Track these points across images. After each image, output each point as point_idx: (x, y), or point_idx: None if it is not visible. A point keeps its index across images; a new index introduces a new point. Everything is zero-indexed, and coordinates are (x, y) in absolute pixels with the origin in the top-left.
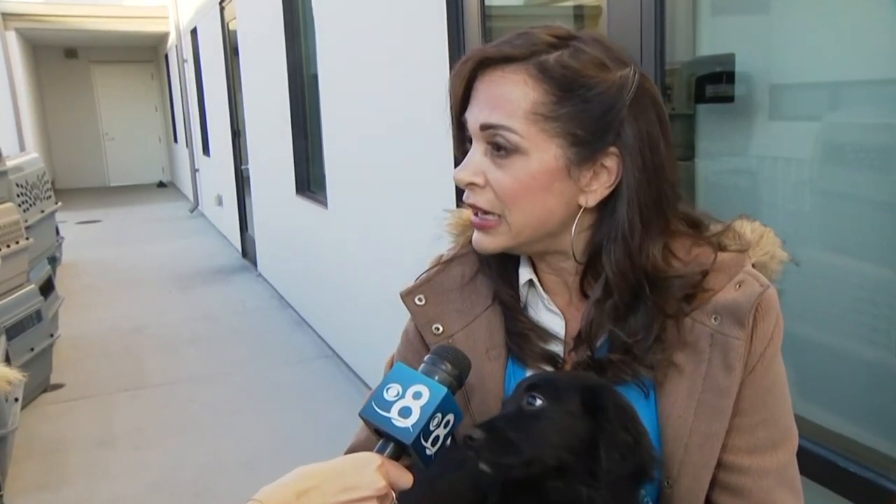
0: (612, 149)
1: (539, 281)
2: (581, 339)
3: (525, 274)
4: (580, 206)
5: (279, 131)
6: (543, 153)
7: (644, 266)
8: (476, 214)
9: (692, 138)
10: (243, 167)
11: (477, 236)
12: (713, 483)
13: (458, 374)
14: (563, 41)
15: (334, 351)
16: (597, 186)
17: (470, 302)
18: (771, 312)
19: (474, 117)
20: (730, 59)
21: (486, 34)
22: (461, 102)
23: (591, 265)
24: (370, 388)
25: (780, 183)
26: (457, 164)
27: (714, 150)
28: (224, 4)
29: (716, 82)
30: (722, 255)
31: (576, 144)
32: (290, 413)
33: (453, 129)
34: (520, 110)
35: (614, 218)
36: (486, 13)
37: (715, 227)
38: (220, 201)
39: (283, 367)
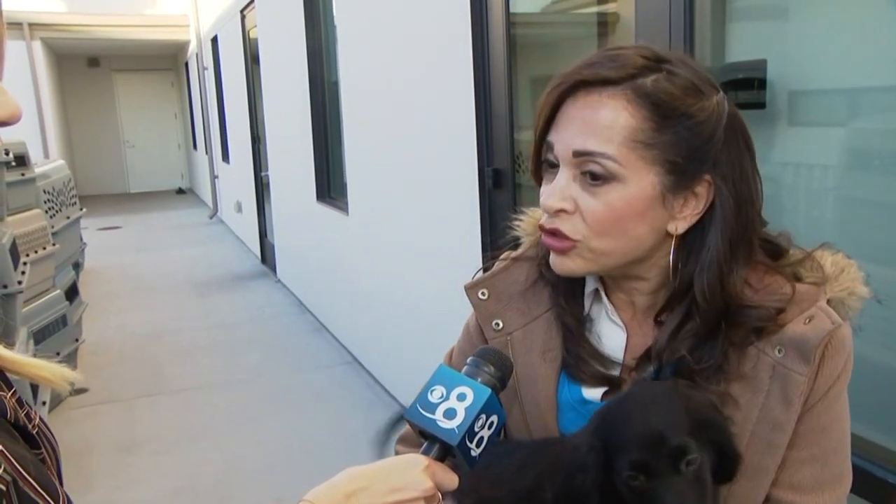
0: (707, 177)
1: (607, 297)
2: (648, 358)
3: (591, 284)
4: (667, 233)
5: (300, 138)
6: (641, 181)
7: (729, 292)
8: (552, 235)
9: None
10: (263, 174)
11: (555, 260)
12: None
13: (500, 375)
14: (655, 63)
15: (354, 357)
16: (687, 213)
17: (531, 303)
18: (841, 351)
19: (565, 142)
20: (761, 65)
21: (511, 41)
22: (546, 123)
23: (671, 293)
24: (390, 394)
25: (815, 191)
26: (538, 183)
27: None
28: (245, 12)
29: (747, 88)
30: (796, 286)
31: (673, 172)
32: (311, 419)
33: (533, 153)
34: (618, 136)
35: (706, 245)
36: (510, 20)
37: (794, 254)
38: (239, 208)
39: (302, 373)
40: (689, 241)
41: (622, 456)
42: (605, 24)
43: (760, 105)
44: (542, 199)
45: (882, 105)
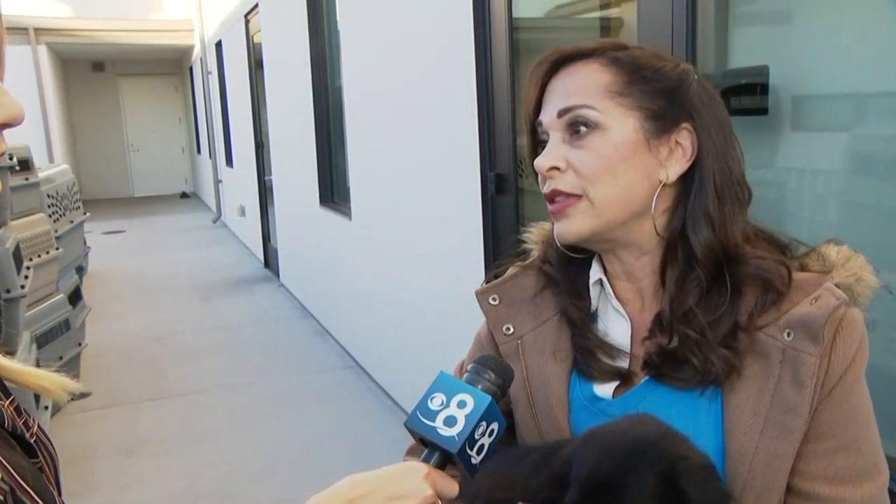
0: (686, 125)
1: (611, 287)
2: (659, 325)
3: (595, 275)
4: (660, 182)
5: (303, 142)
6: (622, 126)
7: (725, 242)
8: (554, 202)
9: None
10: (266, 178)
11: (559, 226)
12: None
13: (501, 382)
14: (625, 45)
15: (356, 361)
16: (675, 161)
17: (541, 307)
18: (853, 332)
19: (550, 112)
20: (763, 70)
21: (514, 46)
22: (535, 106)
23: (669, 252)
24: (391, 398)
25: (818, 196)
26: (534, 172)
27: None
28: (249, 17)
29: (749, 94)
30: (802, 274)
31: (651, 118)
32: (312, 422)
33: (527, 138)
34: (595, 89)
35: (695, 196)
36: (513, 25)
37: (797, 249)
38: (242, 212)
39: (304, 377)
40: (681, 196)
41: (570, 489)
42: (608, 29)
43: (763, 111)
44: (535, 164)
45: (885, 110)
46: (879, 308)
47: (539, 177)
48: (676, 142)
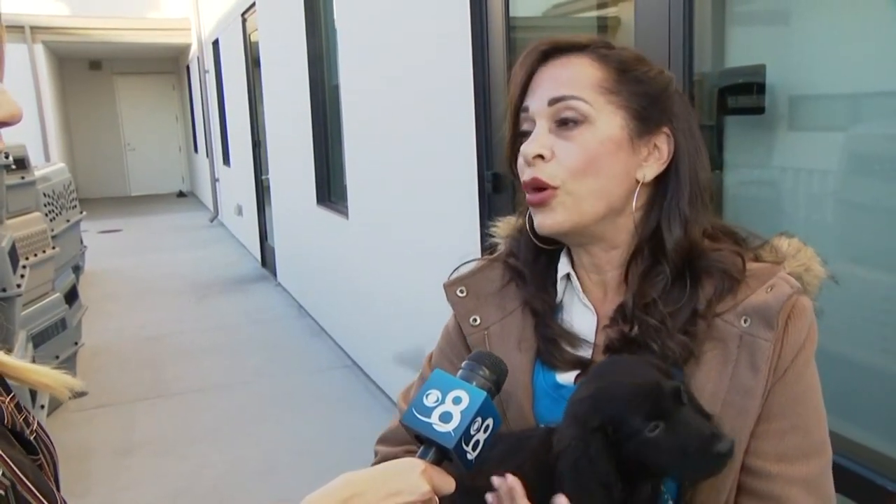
0: (666, 129)
1: (577, 279)
2: (622, 314)
3: (563, 268)
4: (637, 182)
5: (300, 141)
6: (610, 122)
7: (692, 240)
8: (533, 190)
9: (720, 150)
10: (263, 177)
11: (539, 217)
12: (739, 488)
13: (495, 378)
14: (615, 45)
15: (353, 360)
16: (652, 163)
17: (507, 299)
18: (803, 318)
19: (539, 98)
20: (760, 69)
21: (511, 45)
22: (521, 91)
23: (638, 247)
24: (388, 397)
25: (814, 196)
26: (511, 156)
27: (743, 161)
28: (246, 16)
29: (746, 93)
30: (757, 264)
31: (636, 118)
32: (309, 421)
33: (510, 120)
34: (587, 83)
35: (672, 196)
36: (510, 24)
37: (753, 241)
38: (239, 211)
39: (301, 376)
40: (654, 194)
41: (632, 419)
42: (605, 28)
43: (760, 110)
44: (521, 150)
45: (881, 110)
46: (874, 306)
47: (518, 163)
48: (655, 145)
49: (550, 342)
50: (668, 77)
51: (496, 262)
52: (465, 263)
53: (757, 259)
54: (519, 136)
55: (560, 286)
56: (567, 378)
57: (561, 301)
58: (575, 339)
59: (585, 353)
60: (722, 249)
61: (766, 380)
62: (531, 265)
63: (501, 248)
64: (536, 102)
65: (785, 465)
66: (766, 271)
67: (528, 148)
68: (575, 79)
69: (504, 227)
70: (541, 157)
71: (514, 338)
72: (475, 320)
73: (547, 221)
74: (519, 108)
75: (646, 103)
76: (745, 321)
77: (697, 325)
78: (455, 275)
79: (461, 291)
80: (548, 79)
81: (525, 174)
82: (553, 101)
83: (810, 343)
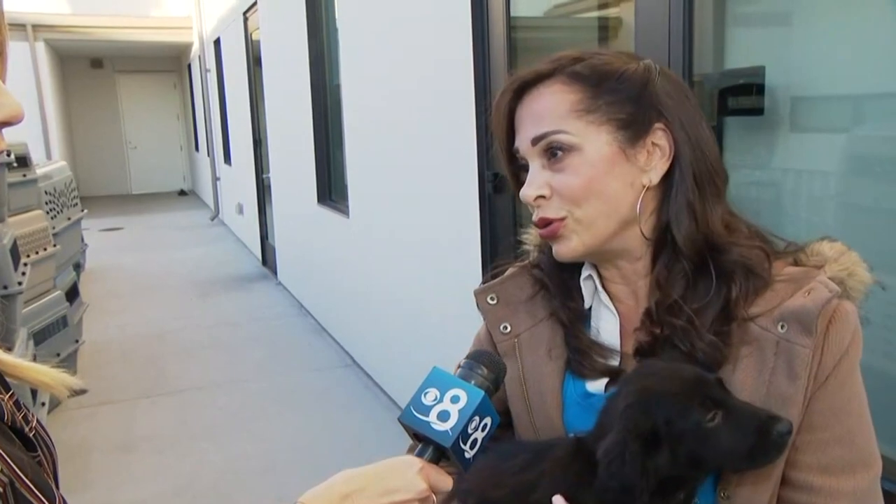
0: (658, 125)
1: (605, 290)
2: (649, 318)
3: (586, 270)
4: (643, 187)
5: (301, 140)
6: (595, 142)
7: (707, 231)
8: (543, 226)
9: (720, 151)
10: (264, 176)
11: (555, 247)
12: (780, 502)
13: (494, 377)
14: (582, 55)
15: (353, 359)
16: (655, 163)
17: (538, 307)
18: (846, 324)
19: (524, 139)
20: (760, 71)
21: (511, 45)
22: (508, 135)
23: (657, 251)
24: (388, 396)
25: (813, 197)
26: (516, 191)
27: (742, 162)
28: (248, 15)
29: (745, 95)
30: (795, 268)
31: (622, 128)
32: (310, 420)
33: (505, 165)
34: (562, 112)
35: (676, 190)
36: (511, 24)
37: (793, 245)
38: (240, 210)
39: (302, 375)
40: (665, 193)
41: (689, 413)
42: (606, 29)
43: (759, 111)
44: (521, 195)
45: (881, 111)
46: (878, 309)
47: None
48: (653, 143)
49: (580, 353)
50: (644, 69)
51: (525, 270)
52: (496, 268)
53: (796, 263)
54: (518, 170)
55: (586, 290)
56: (597, 386)
57: (590, 307)
58: (604, 350)
59: (613, 360)
60: (745, 245)
61: (805, 388)
62: (555, 276)
63: (533, 254)
64: (523, 144)
65: (829, 477)
66: (804, 275)
67: (526, 192)
68: (550, 110)
69: (536, 234)
70: (542, 197)
71: (545, 346)
72: (506, 328)
73: (563, 250)
74: (510, 151)
75: (629, 108)
76: (782, 327)
77: (728, 326)
78: (486, 283)
79: (492, 299)
80: (526, 117)
81: (534, 215)
82: (536, 141)
83: (854, 350)
